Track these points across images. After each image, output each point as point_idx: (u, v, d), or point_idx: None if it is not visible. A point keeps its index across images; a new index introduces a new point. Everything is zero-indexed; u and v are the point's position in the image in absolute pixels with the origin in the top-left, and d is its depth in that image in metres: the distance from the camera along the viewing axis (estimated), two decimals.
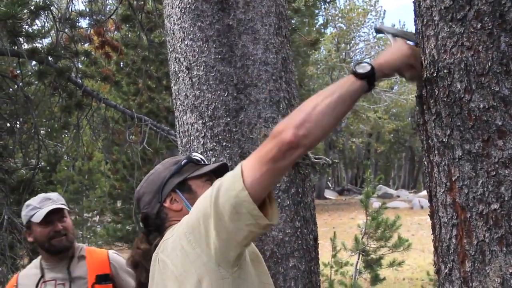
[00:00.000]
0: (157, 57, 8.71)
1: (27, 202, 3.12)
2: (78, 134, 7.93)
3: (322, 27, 27.70)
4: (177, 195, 1.92)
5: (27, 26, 7.37)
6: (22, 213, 3.09)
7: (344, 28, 35.12)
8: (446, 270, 1.76)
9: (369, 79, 1.65)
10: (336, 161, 3.40)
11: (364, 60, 1.70)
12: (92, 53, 8.20)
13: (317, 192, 31.99)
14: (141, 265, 1.95)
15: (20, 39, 6.61)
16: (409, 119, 38.53)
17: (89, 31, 8.15)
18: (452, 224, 1.72)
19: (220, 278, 1.63)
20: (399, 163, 51.01)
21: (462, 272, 1.69)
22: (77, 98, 7.18)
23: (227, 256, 1.63)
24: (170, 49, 3.40)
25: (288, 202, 3.09)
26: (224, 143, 3.10)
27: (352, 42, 36.43)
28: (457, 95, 1.68)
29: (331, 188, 41.75)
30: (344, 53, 35.29)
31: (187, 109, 3.23)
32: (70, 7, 7.48)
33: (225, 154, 3.08)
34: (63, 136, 13.52)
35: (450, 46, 1.71)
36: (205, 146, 3.13)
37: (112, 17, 8.09)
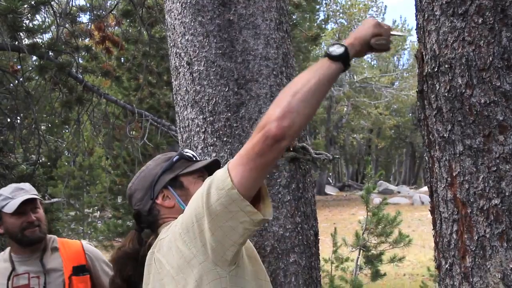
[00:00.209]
0: (157, 52, 8.70)
1: None
2: (79, 129, 7.93)
3: (323, 23, 27.65)
4: (169, 192, 1.91)
5: (28, 21, 7.36)
6: None
7: (345, 23, 35.06)
8: (447, 266, 1.75)
9: (344, 60, 1.64)
10: (337, 156, 3.40)
11: (336, 42, 1.68)
12: (93, 48, 8.19)
13: (317, 188, 32.01)
14: (116, 266, 1.95)
15: (21, 34, 6.60)
16: (410, 115, 38.53)
17: (89, 26, 8.14)
18: (452, 220, 1.72)
19: (218, 277, 1.63)
20: (399, 159, 51.02)
21: (462, 268, 1.69)
22: (78, 93, 7.17)
23: (224, 256, 1.62)
24: (171, 44, 3.39)
25: (289, 198, 3.09)
26: (224, 139, 3.10)
27: None
28: (458, 90, 1.67)
29: (332, 184, 41.77)
30: None
31: (188, 104, 3.23)
32: (71, 2, 7.48)
33: (226, 150, 3.07)
34: (63, 131, 13.53)
35: (451, 41, 1.70)
36: (205, 142, 3.13)
37: (112, 12, 8.07)
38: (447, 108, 1.70)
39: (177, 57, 3.31)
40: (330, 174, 44.99)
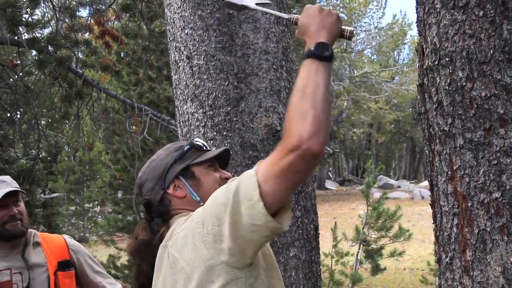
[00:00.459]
0: (157, 46, 8.67)
1: None
2: (79, 124, 7.91)
3: None
4: (181, 182, 1.90)
5: (27, 15, 7.35)
6: None
7: (345, 18, 34.99)
8: (447, 259, 1.75)
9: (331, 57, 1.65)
10: (337, 151, 3.40)
11: (317, 42, 1.66)
12: (92, 42, 8.17)
13: (318, 182, 32.02)
14: (137, 255, 1.93)
15: (20, 28, 6.59)
16: (410, 109, 38.50)
17: (89, 20, 8.11)
18: (453, 213, 1.71)
19: (234, 278, 1.62)
20: (400, 153, 51.02)
21: (463, 261, 1.68)
22: (77, 88, 7.15)
23: (243, 261, 1.63)
24: (171, 38, 3.38)
25: None
26: (224, 133, 3.09)
27: (353, 32, 36.29)
28: (458, 83, 1.67)
29: (332, 178, 41.78)
30: (344, 43, 35.20)
31: (188, 99, 3.22)
32: None
33: (226, 144, 3.07)
34: (63, 126, 13.52)
35: (452, 34, 1.69)
36: (205, 136, 3.12)
37: (112, 6, 8.05)
38: (448, 101, 1.70)
39: (176, 51, 3.31)
40: (330, 168, 45.01)
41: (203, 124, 3.14)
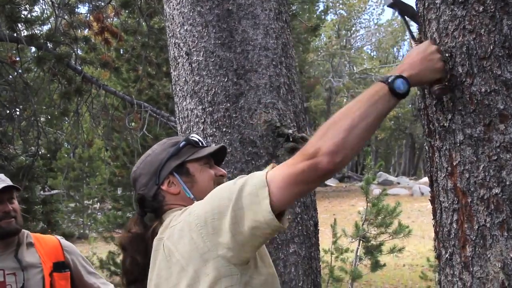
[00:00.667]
0: (156, 43, 8.67)
1: None
2: (78, 121, 7.91)
3: (322, 14, 27.58)
4: (175, 178, 1.88)
5: (26, 12, 7.34)
6: None
7: (345, 14, 34.98)
8: (447, 255, 1.75)
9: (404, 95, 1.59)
10: None
11: (399, 74, 1.57)
12: (91, 39, 8.16)
13: None
14: (130, 248, 1.91)
15: (19, 25, 6.58)
16: (410, 106, 38.49)
17: (88, 17, 8.11)
18: (453, 209, 1.71)
19: (229, 274, 1.61)
20: (399, 150, 51.02)
21: (462, 257, 1.68)
22: (77, 85, 7.15)
23: (240, 257, 1.62)
24: (170, 35, 3.38)
25: None
26: (224, 129, 3.09)
27: (353, 28, 36.34)
28: (458, 79, 1.66)
29: None
30: (344, 40, 35.20)
31: (187, 95, 3.22)
32: None
33: (225, 140, 3.06)
34: (63, 123, 13.52)
35: (451, 30, 1.69)
36: (204, 132, 3.12)
37: (111, 2, 8.05)
38: (448, 97, 1.69)
39: (176, 47, 3.30)
40: None
41: (203, 120, 3.14)
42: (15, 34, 6.63)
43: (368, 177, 8.41)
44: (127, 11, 8.52)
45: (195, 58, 3.18)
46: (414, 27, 1.93)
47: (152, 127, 8.67)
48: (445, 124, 1.71)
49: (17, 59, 7.24)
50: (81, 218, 18.74)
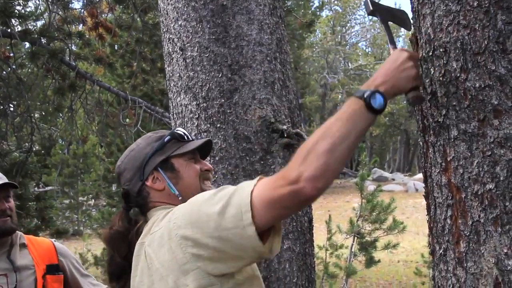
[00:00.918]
0: (151, 38, 8.65)
1: None
2: (72, 117, 7.89)
3: (317, 10, 27.55)
4: (160, 174, 1.85)
5: (20, 7, 7.30)
6: None
7: (340, 10, 34.98)
8: (441, 251, 1.75)
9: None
10: None
11: (375, 89, 1.51)
12: (86, 34, 8.13)
13: None
14: (111, 245, 1.89)
15: (13, 20, 6.55)
16: (404, 102, 38.53)
17: (82, 12, 8.07)
18: (447, 205, 1.71)
19: (209, 284, 1.57)
20: (394, 146, 51.10)
21: (456, 253, 1.68)
22: (71, 80, 7.12)
23: (223, 271, 1.58)
24: (164, 30, 3.36)
25: None
26: (218, 125, 3.08)
27: (348, 25, 36.34)
28: (453, 74, 1.66)
29: None
30: (339, 36, 35.20)
31: (181, 91, 3.21)
32: None
33: (219, 136, 3.06)
34: (57, 119, 13.48)
35: (446, 25, 1.68)
36: (199, 128, 3.11)
37: None
38: (442, 92, 1.69)
39: (170, 42, 3.29)
40: None
41: (197, 116, 3.13)
42: (8, 30, 6.60)
43: (363, 173, 8.41)
44: (121, 6, 8.50)
45: (189, 54, 3.16)
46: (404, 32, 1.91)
47: (147, 123, 8.65)
48: (440, 120, 1.71)
49: (11, 54, 7.20)
50: (76, 214, 18.71)
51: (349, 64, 35.80)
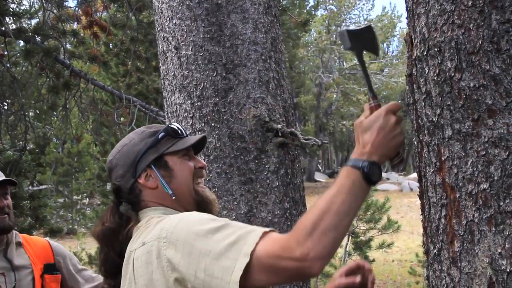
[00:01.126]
0: (146, 37, 8.62)
1: None
2: (67, 115, 7.86)
3: (312, 9, 27.55)
4: (153, 172, 1.79)
5: (14, 5, 7.28)
6: None
7: (335, 10, 35.01)
8: (435, 250, 1.75)
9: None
10: (325, 142, 3.38)
11: (372, 161, 1.49)
12: (80, 33, 8.11)
13: (307, 174, 32.07)
14: (104, 241, 1.85)
15: (7, 18, 6.52)
16: (399, 101, 38.62)
17: (77, 10, 8.05)
18: (441, 204, 1.71)
19: None
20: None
21: (451, 252, 1.68)
22: (65, 79, 7.10)
23: None
24: (158, 28, 3.35)
25: (277, 183, 3.07)
26: (212, 124, 3.07)
27: (343, 24, 36.34)
28: (447, 73, 1.66)
29: (321, 170, 41.87)
30: (334, 35, 35.21)
31: (176, 89, 3.20)
32: None
33: (214, 135, 3.05)
34: (51, 117, 13.44)
35: (440, 24, 1.68)
36: (193, 127, 3.10)
37: None
38: (436, 92, 1.69)
39: (164, 41, 3.28)
40: (320, 161, 45.12)
41: (191, 115, 3.12)
42: (2, 28, 6.57)
43: None
44: (116, 5, 8.47)
45: (184, 52, 3.16)
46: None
47: (141, 122, 8.62)
48: (434, 119, 1.71)
49: (5, 52, 7.17)
50: (70, 213, 18.65)
51: (344, 64, 35.81)
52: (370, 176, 1.49)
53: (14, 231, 2.79)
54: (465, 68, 1.62)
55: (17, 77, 7.34)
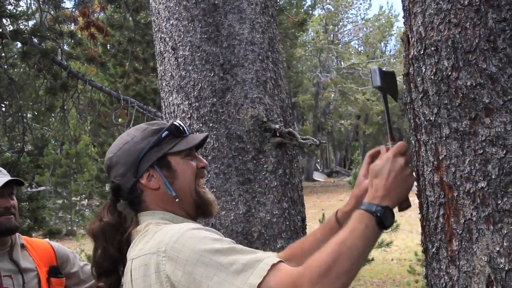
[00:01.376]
0: (143, 38, 8.63)
1: None
2: (65, 116, 7.86)
3: (310, 8, 27.59)
4: (155, 172, 1.75)
5: (11, 7, 7.27)
6: None
7: (332, 9, 35.03)
8: (433, 249, 1.75)
9: None
10: (324, 141, 3.38)
11: (385, 206, 1.53)
12: (77, 34, 8.10)
13: (305, 174, 32.10)
14: (101, 238, 1.77)
15: (4, 20, 6.52)
16: (397, 101, 38.63)
17: (74, 11, 8.05)
18: (439, 203, 1.71)
19: None
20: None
21: (449, 251, 1.68)
22: (62, 80, 7.10)
23: None
24: (156, 29, 3.35)
25: (276, 183, 3.07)
26: (210, 124, 3.07)
27: (340, 23, 36.39)
28: (444, 72, 1.66)
29: (320, 170, 41.89)
30: (332, 35, 35.25)
31: (173, 90, 3.20)
32: None
33: (212, 135, 3.05)
34: (49, 119, 13.43)
35: (437, 23, 1.68)
36: (191, 127, 3.10)
37: None
38: (433, 91, 1.69)
39: (162, 42, 3.28)
40: (318, 160, 45.13)
41: (189, 115, 3.12)
42: (0, 29, 6.57)
43: (356, 172, 8.41)
44: (113, 5, 8.47)
45: (181, 53, 3.16)
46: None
47: (139, 122, 8.62)
48: (431, 118, 1.71)
49: (2, 54, 7.17)
50: (69, 214, 18.62)
51: (342, 63, 35.85)
52: (384, 220, 1.51)
53: (17, 233, 2.75)
54: (462, 67, 1.62)
55: (15, 78, 7.33)
